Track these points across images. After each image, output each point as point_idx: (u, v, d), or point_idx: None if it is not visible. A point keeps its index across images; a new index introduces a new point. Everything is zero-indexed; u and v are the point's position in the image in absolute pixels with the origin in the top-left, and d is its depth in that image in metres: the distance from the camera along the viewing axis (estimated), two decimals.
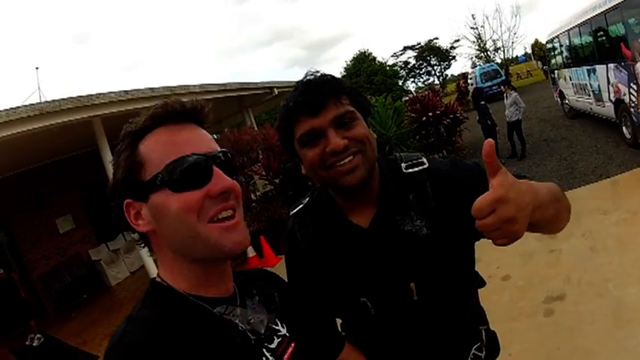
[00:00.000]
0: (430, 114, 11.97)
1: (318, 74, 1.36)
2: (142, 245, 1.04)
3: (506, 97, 11.17)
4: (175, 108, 0.98)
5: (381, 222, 1.38)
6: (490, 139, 0.97)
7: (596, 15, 9.20)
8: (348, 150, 1.27)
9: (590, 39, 10.01)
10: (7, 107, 6.30)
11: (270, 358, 1.01)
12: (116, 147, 1.00)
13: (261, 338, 1.03)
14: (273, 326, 1.08)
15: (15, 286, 9.29)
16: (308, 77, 1.36)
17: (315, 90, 1.29)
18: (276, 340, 1.06)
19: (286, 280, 1.54)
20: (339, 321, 1.63)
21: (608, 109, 9.44)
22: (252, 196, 10.23)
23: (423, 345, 1.44)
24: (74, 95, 7.27)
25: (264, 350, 1.01)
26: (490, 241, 1.00)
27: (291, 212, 1.59)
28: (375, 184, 1.40)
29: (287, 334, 1.10)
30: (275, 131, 1.47)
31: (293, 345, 1.09)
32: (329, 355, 1.26)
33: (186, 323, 0.93)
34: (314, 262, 1.47)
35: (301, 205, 1.57)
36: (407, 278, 1.36)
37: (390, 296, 1.39)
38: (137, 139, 0.96)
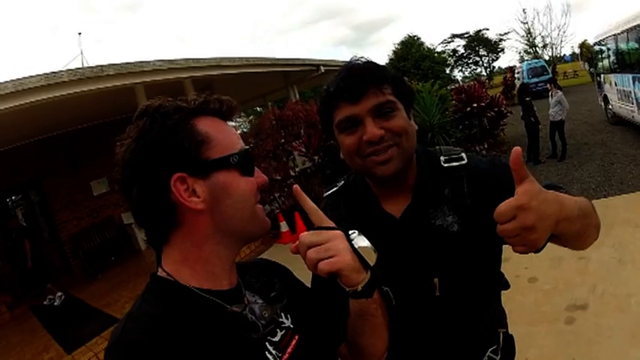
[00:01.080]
0: (475, 105, 11.73)
1: (363, 60, 1.36)
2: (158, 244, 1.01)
3: (552, 95, 10.92)
4: (225, 105, 1.04)
5: (413, 213, 1.39)
6: (517, 147, 0.97)
7: None
8: (385, 141, 1.28)
9: (637, 46, 9.72)
10: (49, 71, 6.43)
11: (273, 351, 1.01)
12: (146, 118, 0.96)
13: (264, 332, 1.02)
14: (277, 318, 1.08)
15: (24, 252, 9.50)
16: (352, 62, 1.36)
17: (357, 76, 1.29)
18: (280, 334, 1.05)
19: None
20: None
21: None
22: (291, 172, 10.27)
23: (439, 341, 1.44)
24: (118, 62, 7.39)
25: (266, 344, 1.01)
26: None
27: (325, 194, 1.61)
28: (412, 175, 1.41)
29: (291, 326, 1.10)
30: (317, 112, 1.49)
31: (297, 337, 1.09)
32: (331, 346, 1.25)
33: (189, 317, 0.92)
34: None
35: (336, 188, 1.58)
36: (431, 273, 1.37)
37: (413, 289, 1.39)
38: (190, 118, 0.98)
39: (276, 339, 1.04)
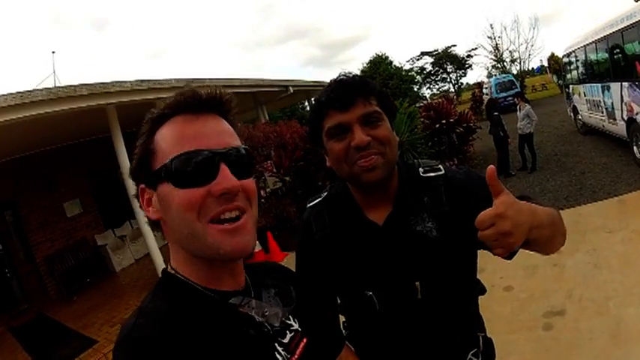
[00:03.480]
0: (444, 121, 11.93)
1: (351, 75, 1.44)
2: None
3: (519, 109, 11.14)
4: (191, 97, 0.95)
5: (395, 221, 1.45)
6: (492, 166, 1.10)
7: (613, 32, 9.15)
8: (371, 148, 1.34)
9: (606, 56, 9.95)
10: (22, 90, 6.35)
11: (283, 352, 1.01)
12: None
13: (274, 333, 1.02)
14: (286, 321, 1.08)
15: None
16: (341, 76, 1.44)
17: (347, 88, 1.37)
18: (289, 335, 1.06)
19: (294, 269, 1.60)
20: (342, 319, 1.68)
21: (620, 128, 9.39)
22: (262, 192, 10.24)
23: (422, 344, 1.49)
24: (90, 82, 7.34)
25: (276, 345, 1.01)
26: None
27: (309, 204, 1.66)
28: (394, 185, 1.48)
29: (299, 329, 1.10)
30: (306, 125, 1.57)
31: (305, 341, 1.09)
32: (332, 354, 1.27)
33: (199, 316, 0.92)
34: (326, 253, 1.54)
35: (319, 199, 1.64)
36: (413, 276, 1.42)
37: (395, 292, 1.44)
38: (155, 126, 0.96)
39: (286, 340, 1.05)
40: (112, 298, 9.01)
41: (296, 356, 1.04)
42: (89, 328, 7.49)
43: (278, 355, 1.00)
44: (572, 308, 4.25)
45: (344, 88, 1.37)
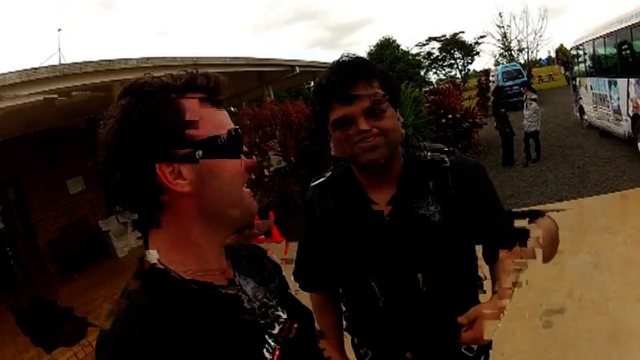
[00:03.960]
0: (450, 116, 11.89)
1: (353, 56, 1.44)
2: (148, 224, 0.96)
3: (526, 106, 11.13)
4: (212, 82, 0.98)
5: (398, 202, 1.47)
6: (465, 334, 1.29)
7: (623, 28, 9.09)
8: (372, 130, 1.36)
9: (614, 51, 9.90)
10: (28, 67, 6.32)
11: (273, 344, 0.99)
12: (130, 97, 0.92)
13: (264, 324, 1.01)
14: (275, 312, 1.06)
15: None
16: (342, 58, 1.43)
17: (347, 71, 1.38)
18: (278, 327, 1.04)
19: (297, 247, 1.69)
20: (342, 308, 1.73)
21: (625, 124, 9.38)
22: (266, 171, 10.26)
23: (422, 334, 1.51)
24: (95, 59, 7.30)
25: (266, 337, 0.99)
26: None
27: (312, 183, 1.67)
28: (397, 167, 1.49)
29: (287, 318, 1.09)
30: (310, 108, 1.58)
31: (295, 325, 1.08)
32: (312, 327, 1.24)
33: (181, 304, 0.88)
34: (329, 233, 1.56)
35: (323, 178, 1.65)
36: (415, 267, 1.45)
37: (397, 282, 1.47)
38: (176, 96, 0.93)
39: (275, 331, 1.03)
40: (113, 275, 8.99)
41: (282, 345, 1.02)
42: (89, 305, 7.55)
43: (267, 347, 0.98)
44: (571, 307, 4.27)
45: (345, 71, 1.38)
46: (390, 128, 1.38)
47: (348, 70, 1.38)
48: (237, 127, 0.99)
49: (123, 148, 0.88)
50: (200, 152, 0.91)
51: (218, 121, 0.96)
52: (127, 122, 0.88)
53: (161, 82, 0.94)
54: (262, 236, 8.74)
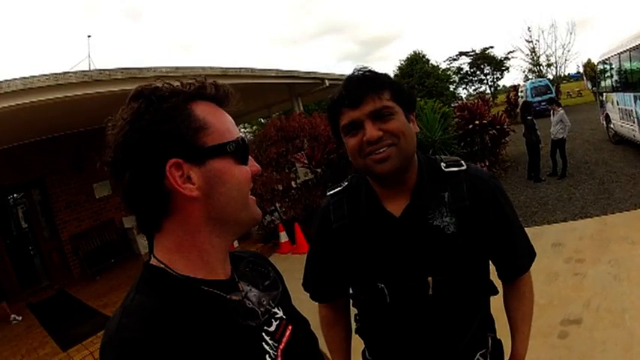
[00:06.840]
0: (477, 122, 11.84)
1: (364, 70, 1.46)
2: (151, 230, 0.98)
3: (553, 114, 11.00)
4: (221, 91, 1.02)
5: (412, 212, 1.47)
6: None
7: None
8: (383, 141, 1.38)
9: (639, 65, 9.75)
10: (58, 71, 6.46)
11: (270, 341, 1.01)
12: (141, 100, 0.94)
13: (261, 321, 1.02)
14: (272, 309, 1.08)
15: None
16: (353, 73, 1.47)
17: (356, 85, 1.41)
18: (275, 324, 1.06)
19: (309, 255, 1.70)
20: (353, 311, 1.72)
21: None
22: (293, 183, 10.33)
23: (430, 341, 1.50)
24: (125, 66, 7.45)
25: (263, 334, 1.01)
26: None
27: (329, 192, 1.69)
28: (412, 177, 1.50)
29: (284, 317, 1.11)
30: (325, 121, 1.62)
31: (290, 328, 1.10)
32: (315, 340, 1.25)
33: (186, 308, 0.90)
34: (342, 242, 1.57)
35: (339, 188, 1.67)
36: (425, 271, 1.44)
37: (407, 287, 1.46)
38: (187, 102, 0.96)
39: (272, 329, 1.05)
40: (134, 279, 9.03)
41: (283, 344, 1.04)
42: (110, 307, 7.59)
43: (265, 345, 1.00)
44: (588, 318, 4.22)
45: (353, 86, 1.41)
46: (399, 131, 1.39)
47: (356, 85, 1.41)
48: (243, 135, 1.04)
49: (133, 150, 0.90)
50: (209, 158, 0.94)
51: (226, 128, 0.99)
52: (139, 125, 0.90)
53: (172, 87, 0.97)
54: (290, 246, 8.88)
